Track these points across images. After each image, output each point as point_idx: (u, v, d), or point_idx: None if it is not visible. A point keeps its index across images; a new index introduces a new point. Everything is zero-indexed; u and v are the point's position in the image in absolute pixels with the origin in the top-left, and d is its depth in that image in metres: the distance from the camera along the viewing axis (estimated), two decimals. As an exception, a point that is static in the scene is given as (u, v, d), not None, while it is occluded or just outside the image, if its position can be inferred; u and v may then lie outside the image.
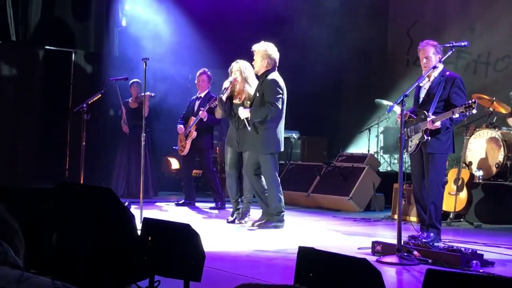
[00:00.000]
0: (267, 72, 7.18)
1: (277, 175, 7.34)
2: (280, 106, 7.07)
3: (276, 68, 7.26)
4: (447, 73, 6.27)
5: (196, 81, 9.47)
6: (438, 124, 5.99)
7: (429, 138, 6.08)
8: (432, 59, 6.20)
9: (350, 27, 12.87)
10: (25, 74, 11.37)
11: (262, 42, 7.25)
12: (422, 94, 6.35)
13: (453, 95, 6.16)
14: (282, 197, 7.34)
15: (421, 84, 6.33)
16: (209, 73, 9.50)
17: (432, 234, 6.16)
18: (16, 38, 12.01)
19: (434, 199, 6.19)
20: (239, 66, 7.50)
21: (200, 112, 9.09)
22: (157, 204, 9.68)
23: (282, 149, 7.36)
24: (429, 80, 6.30)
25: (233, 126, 7.68)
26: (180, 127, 9.39)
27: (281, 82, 7.15)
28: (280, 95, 7.07)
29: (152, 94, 9.86)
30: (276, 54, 7.22)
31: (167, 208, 9.22)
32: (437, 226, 6.23)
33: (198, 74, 9.48)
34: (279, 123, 7.17)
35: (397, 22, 13.45)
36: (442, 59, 6.13)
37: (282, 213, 7.32)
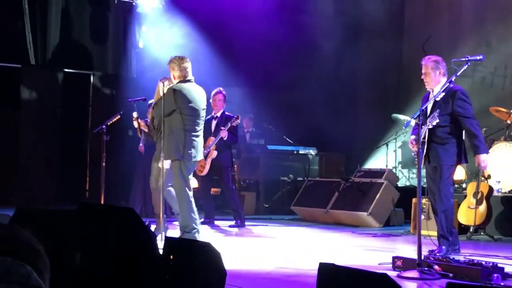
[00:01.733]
0: (179, 83, 7.09)
1: (186, 187, 7.05)
2: (154, 109, 6.99)
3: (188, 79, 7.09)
4: (451, 85, 6.28)
5: (211, 101, 9.51)
6: None
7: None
8: (431, 75, 6.28)
9: (365, 42, 12.91)
10: (44, 96, 11.54)
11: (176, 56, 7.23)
12: (429, 109, 6.38)
13: (457, 108, 6.20)
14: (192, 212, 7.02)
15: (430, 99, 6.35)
16: (224, 92, 9.56)
17: (444, 247, 6.17)
18: (35, 62, 12.20)
19: (444, 209, 6.23)
20: (163, 85, 7.39)
21: (221, 131, 9.15)
22: (177, 222, 9.72)
23: (199, 158, 7.13)
24: (433, 95, 6.33)
25: (156, 139, 7.35)
26: None
27: (176, 94, 6.90)
28: (163, 103, 6.89)
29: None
30: (186, 66, 7.11)
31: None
32: (447, 236, 6.23)
33: (213, 93, 9.52)
34: (190, 131, 6.94)
35: (412, 36, 13.46)
36: (458, 73, 6.13)
37: (194, 230, 6.95)
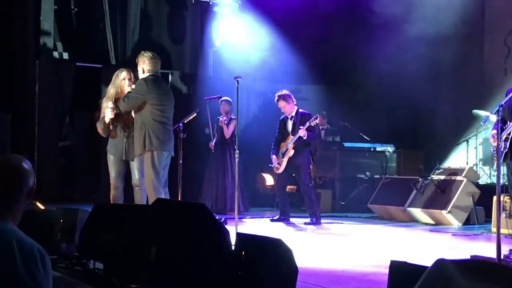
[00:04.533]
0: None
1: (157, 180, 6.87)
2: (125, 102, 6.96)
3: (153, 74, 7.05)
4: None
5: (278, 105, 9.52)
6: None
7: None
8: None
9: (445, 38, 12.61)
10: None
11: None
12: None
13: None
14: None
15: None
16: (283, 93, 9.44)
17: None
18: (115, 62, 12.52)
19: None
20: (125, 75, 7.35)
21: (300, 130, 9.15)
22: (252, 219, 9.80)
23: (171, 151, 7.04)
24: None
25: (122, 135, 7.24)
26: (273, 157, 9.53)
27: (148, 85, 6.92)
28: (137, 94, 6.93)
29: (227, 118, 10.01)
30: (155, 61, 7.06)
31: (262, 224, 9.31)
32: None
33: (275, 101, 9.50)
34: (162, 122, 6.93)
35: (493, 31, 13.06)
36: None
37: None
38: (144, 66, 7.06)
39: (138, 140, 6.93)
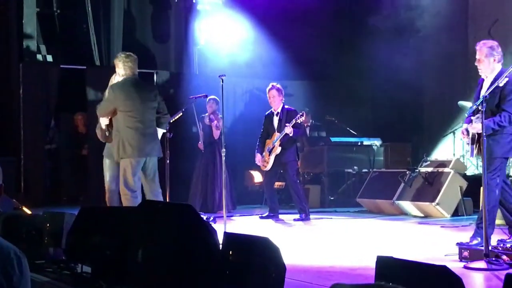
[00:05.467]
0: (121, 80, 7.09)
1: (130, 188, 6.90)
2: (97, 110, 7.04)
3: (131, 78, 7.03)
4: (503, 75, 5.98)
5: (268, 96, 9.51)
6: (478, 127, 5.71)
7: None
8: (484, 62, 5.99)
9: (429, 29, 12.64)
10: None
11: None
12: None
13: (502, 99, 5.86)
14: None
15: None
16: (278, 86, 9.49)
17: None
18: (100, 63, 12.47)
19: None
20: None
21: (286, 128, 9.14)
22: (241, 217, 9.79)
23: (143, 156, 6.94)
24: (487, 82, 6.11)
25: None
26: (258, 156, 9.53)
27: (115, 91, 6.93)
28: (104, 102, 7.02)
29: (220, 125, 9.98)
30: (130, 64, 6.99)
31: (251, 222, 9.30)
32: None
33: (267, 90, 9.51)
34: (133, 128, 6.89)
35: (477, 21, 13.10)
36: None
37: None
38: (119, 70, 7.01)
39: (114, 146, 6.93)
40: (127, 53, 7.08)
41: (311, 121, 12.56)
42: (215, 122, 10.26)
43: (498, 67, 6.02)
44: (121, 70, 6.98)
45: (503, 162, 6.00)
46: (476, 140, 5.92)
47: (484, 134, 5.38)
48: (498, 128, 5.80)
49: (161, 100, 7.24)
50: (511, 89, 5.82)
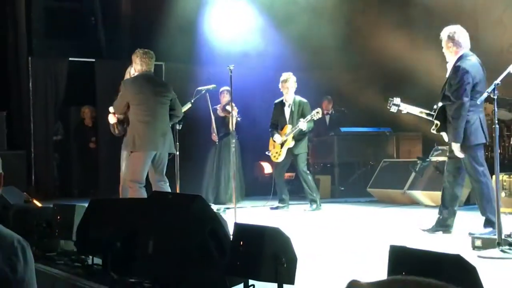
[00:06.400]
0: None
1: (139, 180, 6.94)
2: (113, 106, 7.16)
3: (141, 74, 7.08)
4: (458, 62, 6.20)
5: (280, 86, 9.43)
6: None
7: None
8: (447, 51, 6.28)
9: (439, 15, 12.52)
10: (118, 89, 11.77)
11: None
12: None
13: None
14: None
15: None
16: (293, 76, 9.40)
17: None
18: (108, 56, 12.47)
19: None
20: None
21: (300, 123, 9.11)
22: (251, 208, 9.77)
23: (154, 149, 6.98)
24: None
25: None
26: (277, 136, 9.42)
27: (126, 86, 7.02)
28: (118, 97, 7.10)
29: (238, 118, 9.93)
30: (147, 60, 7.02)
31: (262, 213, 9.28)
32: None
33: (283, 79, 9.42)
34: (143, 122, 6.95)
35: (488, 7, 12.97)
36: None
37: None
38: (136, 66, 7.08)
39: (127, 139, 7.02)
40: (145, 50, 7.13)
41: (331, 110, 12.49)
42: (235, 111, 10.16)
43: (460, 51, 6.22)
44: (138, 66, 7.03)
45: (474, 150, 6.21)
46: (441, 128, 6.41)
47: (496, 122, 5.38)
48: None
49: (175, 97, 7.24)
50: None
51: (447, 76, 6.36)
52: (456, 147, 6.18)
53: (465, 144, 6.14)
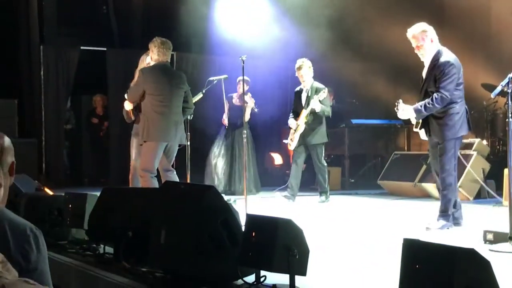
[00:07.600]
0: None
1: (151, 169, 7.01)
2: (127, 93, 7.22)
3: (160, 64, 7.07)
4: (438, 57, 6.22)
5: (297, 74, 9.34)
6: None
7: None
8: (422, 49, 6.28)
9: (451, 12, 12.48)
10: (130, 78, 11.77)
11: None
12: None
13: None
14: None
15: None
16: (308, 62, 9.25)
17: None
18: (120, 45, 12.47)
19: None
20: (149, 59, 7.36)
21: (312, 101, 8.98)
22: (262, 199, 9.77)
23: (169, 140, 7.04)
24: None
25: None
26: (291, 121, 9.31)
27: (144, 74, 7.01)
28: (134, 85, 7.17)
29: (256, 109, 9.90)
30: (164, 51, 7.02)
31: (273, 204, 9.28)
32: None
33: (297, 66, 9.32)
34: (159, 112, 6.98)
35: (500, 4, 12.90)
36: None
37: None
38: (153, 55, 7.08)
39: (140, 129, 7.04)
40: (164, 39, 7.12)
41: (333, 101, 12.45)
42: (253, 102, 10.13)
43: (435, 47, 6.25)
44: (154, 55, 7.03)
45: (456, 143, 6.26)
46: (421, 124, 6.43)
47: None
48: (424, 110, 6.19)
49: (188, 89, 7.26)
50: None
51: (424, 74, 6.32)
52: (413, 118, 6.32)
53: (454, 136, 6.14)
